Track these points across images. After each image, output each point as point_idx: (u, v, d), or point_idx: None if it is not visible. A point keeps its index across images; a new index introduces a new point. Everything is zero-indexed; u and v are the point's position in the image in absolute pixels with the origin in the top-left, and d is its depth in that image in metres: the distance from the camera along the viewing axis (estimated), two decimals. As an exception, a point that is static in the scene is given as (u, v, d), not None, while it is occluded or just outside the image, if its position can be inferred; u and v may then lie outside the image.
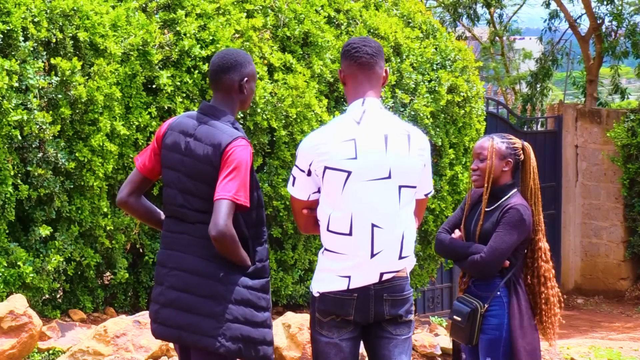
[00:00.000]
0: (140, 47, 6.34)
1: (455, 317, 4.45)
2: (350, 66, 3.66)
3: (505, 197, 4.43)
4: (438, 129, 8.23)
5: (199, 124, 3.70)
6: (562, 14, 16.61)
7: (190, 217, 3.67)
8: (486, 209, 4.45)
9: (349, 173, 3.53)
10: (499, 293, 4.39)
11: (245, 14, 7.01)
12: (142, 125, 6.32)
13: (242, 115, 6.55)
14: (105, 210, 6.12)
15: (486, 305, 4.39)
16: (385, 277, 3.58)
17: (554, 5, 16.76)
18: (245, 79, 3.74)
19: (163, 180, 3.78)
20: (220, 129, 3.66)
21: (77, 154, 5.97)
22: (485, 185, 4.43)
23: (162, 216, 3.86)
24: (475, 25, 18.40)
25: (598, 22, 15.40)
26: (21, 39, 5.77)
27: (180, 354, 3.82)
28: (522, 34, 21.24)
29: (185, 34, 6.55)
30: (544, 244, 4.46)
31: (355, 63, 3.65)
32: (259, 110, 6.68)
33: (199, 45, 6.56)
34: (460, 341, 4.52)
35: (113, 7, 6.44)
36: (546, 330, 4.47)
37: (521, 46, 21.99)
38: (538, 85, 16.85)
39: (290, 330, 5.73)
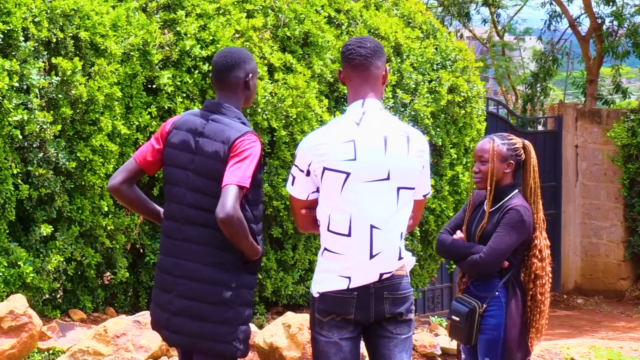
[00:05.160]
0: (141, 47, 6.34)
1: (453, 317, 4.46)
2: (346, 68, 3.66)
3: (507, 198, 4.43)
4: (438, 129, 8.23)
5: (207, 121, 3.71)
6: (562, 14, 16.61)
7: (199, 218, 3.66)
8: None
9: (348, 174, 3.53)
10: (497, 293, 4.39)
11: (245, 14, 7.02)
12: (142, 125, 6.33)
13: (242, 115, 6.56)
14: (105, 210, 6.13)
15: (485, 306, 4.39)
16: (385, 276, 3.59)
17: (553, 6, 16.76)
18: (250, 74, 3.78)
19: (169, 180, 3.76)
20: (228, 125, 3.67)
21: (77, 154, 5.97)
22: (488, 187, 4.42)
23: (153, 205, 3.87)
24: (469, 22, 18.37)
25: (598, 22, 15.40)
26: (22, 39, 5.77)
27: (181, 356, 3.84)
28: (531, 33, 21.19)
29: (185, 34, 6.56)
30: (540, 242, 4.44)
31: (350, 65, 3.64)
32: (259, 110, 6.69)
33: (199, 45, 6.56)
34: (459, 341, 4.53)
35: (113, 7, 6.44)
36: (530, 329, 4.45)
37: (523, 46, 21.96)
38: (539, 86, 16.85)
39: (290, 330, 5.73)
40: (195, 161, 3.68)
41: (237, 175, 3.55)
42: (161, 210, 3.88)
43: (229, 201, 3.50)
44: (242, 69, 3.76)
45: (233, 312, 3.63)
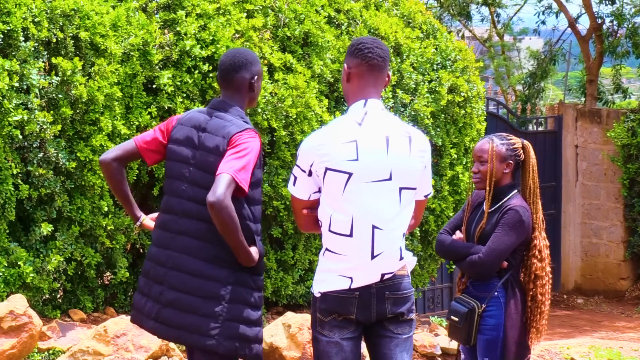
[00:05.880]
0: (141, 47, 6.34)
1: (452, 317, 4.46)
2: (360, 65, 3.64)
3: (506, 198, 4.43)
4: (438, 129, 8.23)
5: (210, 117, 3.77)
6: (562, 13, 16.60)
7: (197, 212, 3.69)
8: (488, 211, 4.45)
9: (350, 175, 3.53)
10: (496, 293, 4.39)
11: (245, 14, 7.02)
12: (142, 125, 6.33)
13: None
14: (105, 210, 6.13)
15: (484, 306, 4.39)
16: (386, 276, 3.60)
17: (550, 1, 16.76)
18: (256, 77, 3.83)
19: (170, 174, 3.82)
20: (229, 121, 3.73)
21: (77, 154, 5.97)
22: (487, 188, 4.42)
23: (130, 194, 3.90)
24: (470, 22, 18.35)
25: (598, 21, 15.39)
26: (22, 39, 5.77)
27: (188, 355, 3.87)
28: (527, 33, 21.20)
29: (185, 34, 6.55)
30: (540, 242, 4.43)
31: (367, 64, 3.63)
32: (259, 110, 6.69)
33: (199, 45, 6.56)
34: (458, 341, 4.53)
35: (113, 7, 6.44)
36: (530, 329, 4.45)
37: (523, 45, 21.96)
38: (535, 86, 16.84)
39: (290, 330, 5.73)
40: (197, 156, 3.73)
41: (231, 166, 3.58)
42: (134, 203, 3.94)
43: (220, 188, 3.53)
44: (248, 70, 3.81)
45: (222, 308, 3.63)
